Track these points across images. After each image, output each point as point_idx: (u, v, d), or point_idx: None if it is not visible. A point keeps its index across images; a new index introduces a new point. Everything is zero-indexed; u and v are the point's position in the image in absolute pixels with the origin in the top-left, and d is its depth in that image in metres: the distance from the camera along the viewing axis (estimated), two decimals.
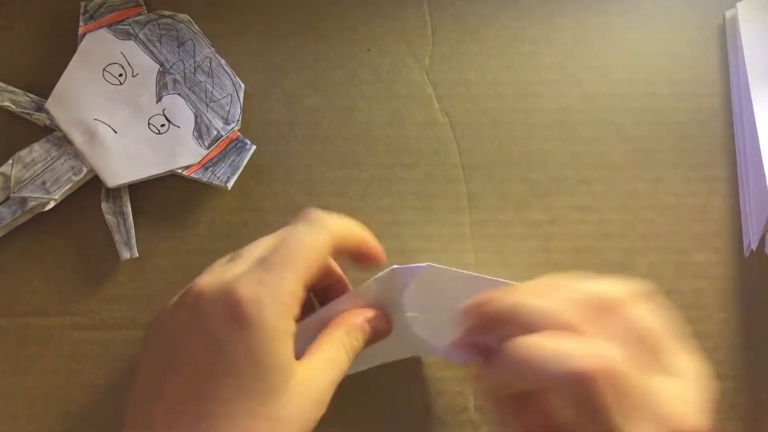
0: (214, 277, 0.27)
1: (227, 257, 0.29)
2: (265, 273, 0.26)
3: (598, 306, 0.26)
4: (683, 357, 0.27)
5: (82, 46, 0.35)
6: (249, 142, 0.36)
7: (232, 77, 0.36)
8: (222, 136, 0.35)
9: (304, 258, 0.27)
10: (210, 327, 0.26)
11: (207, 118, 0.35)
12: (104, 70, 0.35)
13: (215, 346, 0.26)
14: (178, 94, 0.35)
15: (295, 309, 0.27)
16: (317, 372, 0.28)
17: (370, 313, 0.31)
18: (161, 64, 0.35)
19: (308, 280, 0.27)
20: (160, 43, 0.36)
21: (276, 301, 0.26)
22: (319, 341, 0.29)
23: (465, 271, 0.31)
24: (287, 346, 0.26)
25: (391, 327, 0.31)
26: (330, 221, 0.28)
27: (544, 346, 0.24)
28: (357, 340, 0.31)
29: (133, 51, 0.35)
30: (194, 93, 0.36)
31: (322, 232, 0.28)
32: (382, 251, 0.30)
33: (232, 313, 0.25)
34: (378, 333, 0.31)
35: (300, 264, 0.27)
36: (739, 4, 0.37)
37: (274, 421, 0.26)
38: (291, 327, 0.26)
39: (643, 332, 0.26)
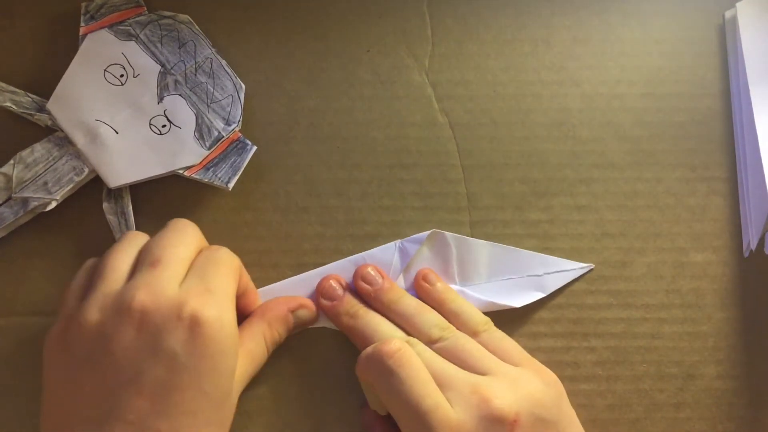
0: (151, 292, 0.27)
1: (90, 262, 0.31)
2: (212, 293, 0.28)
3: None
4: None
5: (83, 46, 0.35)
6: (250, 142, 0.36)
7: (233, 78, 0.36)
8: (223, 136, 0.35)
9: (235, 276, 0.30)
10: (168, 345, 0.27)
11: (208, 118, 0.36)
12: (105, 70, 0.35)
13: (175, 362, 0.27)
14: (180, 95, 0.36)
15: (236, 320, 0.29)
16: (239, 366, 0.30)
17: (293, 303, 0.33)
18: (162, 65, 0.36)
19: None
20: (161, 44, 0.36)
21: (231, 319, 0.28)
22: (242, 333, 0.31)
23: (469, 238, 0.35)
24: (237, 352, 0.29)
25: (317, 314, 0.34)
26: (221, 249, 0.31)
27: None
28: (278, 332, 0.33)
29: (134, 52, 0.36)
30: (195, 94, 0.36)
31: (232, 254, 0.31)
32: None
33: (193, 332, 0.27)
34: (302, 322, 0.34)
35: (233, 281, 0.30)
36: (738, 5, 0.37)
37: (224, 424, 0.28)
38: (238, 335, 0.29)
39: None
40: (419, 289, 0.35)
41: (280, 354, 0.34)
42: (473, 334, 0.33)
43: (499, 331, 0.34)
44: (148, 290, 0.27)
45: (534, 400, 0.30)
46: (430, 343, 0.32)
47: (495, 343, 0.33)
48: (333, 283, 0.34)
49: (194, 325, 0.27)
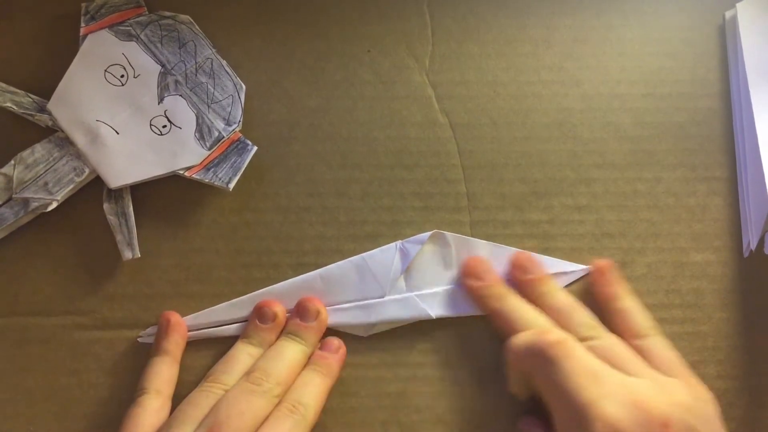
0: None
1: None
2: None
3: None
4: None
5: (84, 47, 0.35)
6: (250, 143, 0.36)
7: (233, 78, 0.36)
8: (223, 137, 0.35)
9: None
10: None
11: (208, 119, 0.36)
12: (106, 71, 0.35)
13: None
14: (180, 95, 0.36)
15: None
16: None
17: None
18: (163, 65, 0.36)
19: None
20: (162, 44, 0.36)
21: None
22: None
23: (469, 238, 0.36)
24: None
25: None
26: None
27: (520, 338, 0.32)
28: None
29: (134, 52, 0.36)
30: (196, 94, 0.36)
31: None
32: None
33: None
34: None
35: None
36: (738, 5, 0.37)
37: None
38: None
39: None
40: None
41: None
42: (636, 337, 0.33)
43: (664, 339, 0.33)
44: None
45: (685, 408, 0.29)
46: (579, 340, 0.32)
47: (656, 350, 0.33)
48: (477, 262, 0.35)
49: None
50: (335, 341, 0.34)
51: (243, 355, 0.33)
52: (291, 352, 0.33)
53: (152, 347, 0.34)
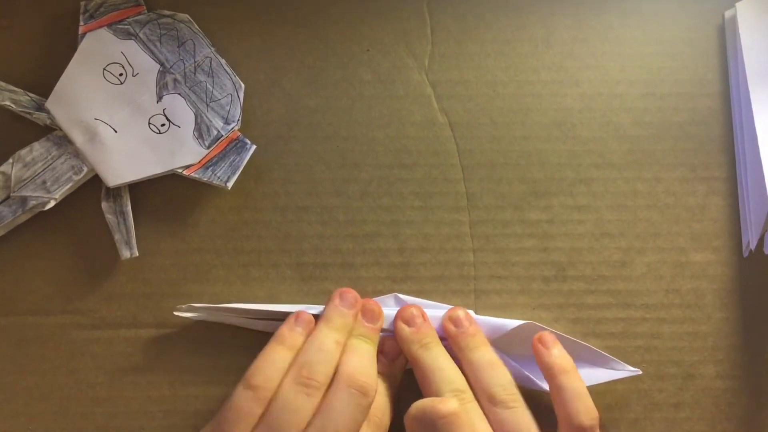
0: None
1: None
2: None
3: None
4: None
5: (83, 45, 0.35)
6: (249, 141, 0.36)
7: (232, 77, 0.36)
8: (222, 135, 0.35)
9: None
10: None
11: (207, 117, 0.35)
12: (104, 69, 0.35)
13: None
14: (179, 94, 0.36)
15: None
16: None
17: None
18: (161, 64, 0.36)
19: None
20: (161, 43, 0.36)
21: None
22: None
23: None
24: None
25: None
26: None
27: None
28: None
29: (133, 50, 0.35)
30: (194, 93, 0.36)
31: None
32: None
33: None
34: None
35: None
36: (738, 5, 0.37)
37: None
38: None
39: None
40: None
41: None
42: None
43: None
44: None
45: None
46: (490, 401, 0.31)
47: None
48: (415, 311, 0.34)
49: None
50: (396, 346, 0.34)
51: (330, 343, 0.32)
52: (373, 354, 0.33)
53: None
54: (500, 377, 0.32)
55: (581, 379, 0.32)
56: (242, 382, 0.30)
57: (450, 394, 0.31)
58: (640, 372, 0.34)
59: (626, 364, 0.34)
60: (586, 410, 0.31)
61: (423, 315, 0.34)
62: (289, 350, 0.32)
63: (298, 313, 0.33)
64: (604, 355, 0.34)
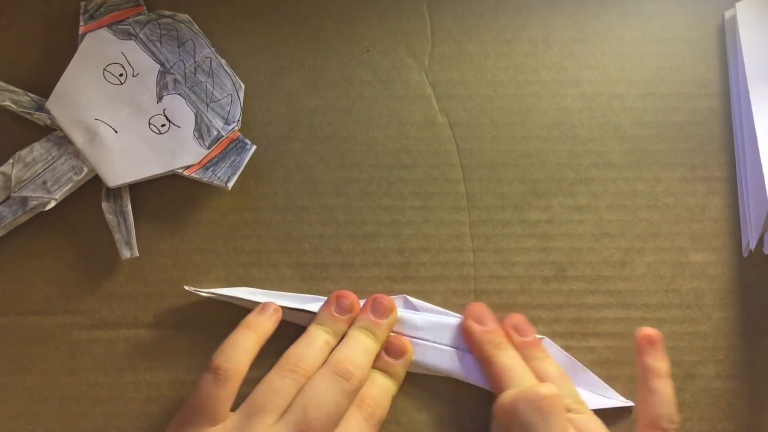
0: None
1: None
2: None
3: None
4: None
5: (83, 45, 0.35)
6: (249, 142, 0.36)
7: (233, 77, 0.36)
8: (222, 136, 0.35)
9: None
10: None
11: (207, 118, 0.35)
12: (105, 69, 0.35)
13: None
14: (179, 94, 0.36)
15: None
16: None
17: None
18: (162, 64, 0.36)
19: None
20: (161, 43, 0.36)
21: None
22: None
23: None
24: None
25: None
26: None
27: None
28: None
29: (133, 51, 0.35)
30: (195, 93, 0.36)
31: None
32: None
33: None
34: None
35: None
36: (738, 5, 0.37)
37: None
38: None
39: None
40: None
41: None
42: (651, 426, 0.32)
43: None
44: None
45: None
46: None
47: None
48: (484, 309, 0.35)
49: None
50: (400, 344, 0.34)
51: (320, 341, 0.33)
52: (369, 347, 0.33)
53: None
54: (569, 388, 0.33)
55: (672, 386, 0.33)
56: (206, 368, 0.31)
57: None
58: (632, 404, 0.35)
59: (620, 395, 0.35)
60: (671, 417, 0.32)
61: (490, 312, 0.35)
62: (254, 333, 0.32)
63: (265, 303, 0.33)
64: (602, 384, 0.35)
